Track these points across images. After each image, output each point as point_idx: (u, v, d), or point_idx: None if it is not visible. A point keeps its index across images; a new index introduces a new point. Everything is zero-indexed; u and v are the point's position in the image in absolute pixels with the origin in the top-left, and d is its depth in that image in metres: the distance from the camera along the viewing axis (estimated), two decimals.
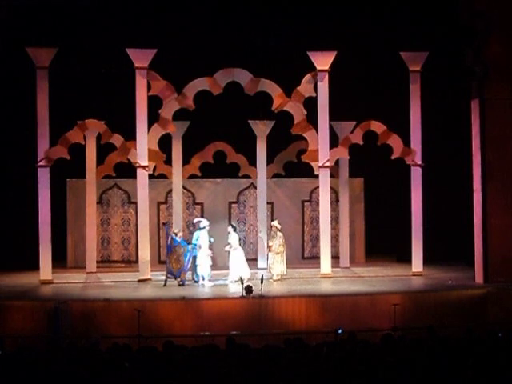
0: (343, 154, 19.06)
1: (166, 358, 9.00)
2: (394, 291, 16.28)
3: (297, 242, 21.41)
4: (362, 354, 9.23)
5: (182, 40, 18.73)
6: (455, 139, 19.47)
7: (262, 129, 20.48)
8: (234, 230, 17.89)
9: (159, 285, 17.35)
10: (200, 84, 18.58)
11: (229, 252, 17.73)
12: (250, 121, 20.38)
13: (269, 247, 18.13)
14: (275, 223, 18.25)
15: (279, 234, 18.09)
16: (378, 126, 18.71)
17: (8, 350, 10.09)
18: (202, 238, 17.61)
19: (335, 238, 20.56)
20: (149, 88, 18.08)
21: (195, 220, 18.71)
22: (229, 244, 17.67)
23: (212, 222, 18.32)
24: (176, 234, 17.48)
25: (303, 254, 21.37)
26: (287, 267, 18.39)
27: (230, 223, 18.18)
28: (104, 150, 19.51)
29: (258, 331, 14.46)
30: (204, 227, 17.71)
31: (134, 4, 18.41)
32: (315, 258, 20.15)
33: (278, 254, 17.93)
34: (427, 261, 18.90)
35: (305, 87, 18.66)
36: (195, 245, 17.63)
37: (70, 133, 18.16)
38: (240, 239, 18.26)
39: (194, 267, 17.72)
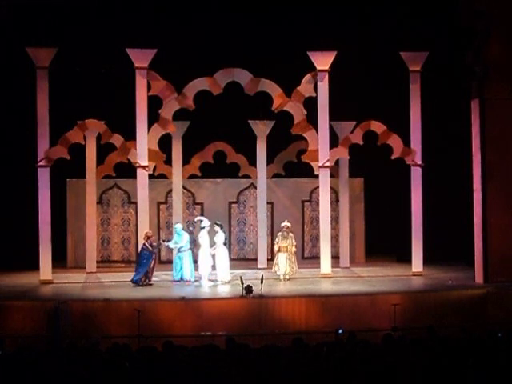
0: (343, 154, 19.06)
1: (166, 358, 9.00)
2: (394, 291, 16.28)
3: (297, 242, 21.28)
4: (362, 353, 9.23)
5: (182, 40, 18.74)
6: (455, 139, 19.47)
7: (261, 129, 20.47)
8: (221, 229, 17.82)
9: (159, 285, 17.37)
10: (200, 84, 18.58)
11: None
12: (250, 121, 20.37)
13: (281, 248, 18.04)
14: (287, 223, 18.23)
15: (291, 234, 18.11)
16: (378, 126, 18.71)
17: (8, 350, 10.08)
18: (202, 237, 17.59)
19: (335, 238, 20.55)
20: (149, 88, 18.08)
21: (196, 219, 18.72)
22: (214, 246, 17.62)
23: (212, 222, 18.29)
24: (149, 238, 17.56)
25: (303, 254, 21.33)
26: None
27: (214, 222, 17.97)
28: (104, 150, 19.51)
29: (258, 331, 14.47)
30: (204, 227, 17.69)
31: (133, 4, 18.41)
32: (315, 258, 20.14)
33: (292, 254, 17.99)
34: (427, 261, 18.90)
35: (305, 87, 18.66)
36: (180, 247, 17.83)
37: (70, 133, 18.16)
38: (226, 238, 18.15)
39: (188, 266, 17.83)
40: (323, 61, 18.30)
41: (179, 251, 17.93)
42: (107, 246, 20.99)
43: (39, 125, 17.71)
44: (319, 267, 18.60)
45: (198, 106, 18.57)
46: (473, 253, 17.48)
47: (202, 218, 18.22)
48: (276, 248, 18.24)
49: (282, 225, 18.31)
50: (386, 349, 9.76)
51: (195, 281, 17.69)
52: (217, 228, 17.72)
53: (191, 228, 20.99)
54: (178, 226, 18.21)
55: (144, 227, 18.13)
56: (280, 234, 18.24)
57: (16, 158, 19.66)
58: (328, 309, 15.25)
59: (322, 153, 18.48)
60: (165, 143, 19.34)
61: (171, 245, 18.20)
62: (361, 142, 18.73)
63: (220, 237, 17.62)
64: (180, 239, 17.95)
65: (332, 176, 19.33)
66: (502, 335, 10.51)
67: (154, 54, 17.91)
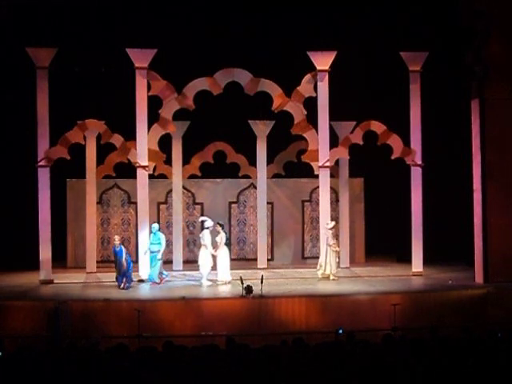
0: (343, 154, 19.06)
1: (166, 358, 9.00)
2: (394, 291, 16.29)
3: (297, 241, 21.41)
4: (362, 354, 9.23)
5: (182, 40, 18.74)
6: (455, 139, 19.48)
7: (262, 129, 20.46)
8: (223, 229, 17.76)
9: (159, 285, 17.37)
10: (200, 84, 18.59)
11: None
12: (250, 121, 20.36)
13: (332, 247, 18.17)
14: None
15: None
16: (378, 126, 18.71)
17: (8, 350, 10.08)
18: (205, 237, 17.53)
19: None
20: (149, 88, 18.08)
21: (200, 219, 18.72)
22: (216, 247, 17.55)
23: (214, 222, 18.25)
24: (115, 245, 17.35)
25: (303, 254, 21.36)
26: (287, 267, 18.47)
27: (217, 222, 17.82)
28: (104, 150, 19.51)
29: (258, 331, 14.47)
30: (208, 227, 17.64)
31: (133, 4, 18.41)
32: (315, 258, 20.15)
33: None
34: (427, 261, 18.90)
35: (305, 87, 18.66)
36: (155, 244, 17.67)
37: (70, 133, 18.16)
38: (228, 238, 18.10)
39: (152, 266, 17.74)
40: (323, 61, 18.30)
41: (152, 251, 17.69)
42: (107, 245, 20.96)
43: (39, 125, 17.71)
44: None
45: (198, 106, 18.57)
46: (473, 253, 17.49)
47: (205, 218, 18.12)
48: (337, 248, 18.23)
49: (332, 225, 18.23)
50: (386, 349, 9.76)
51: (167, 280, 17.65)
52: (219, 228, 17.68)
53: (191, 228, 21.08)
54: (155, 226, 17.95)
55: (144, 227, 18.13)
56: (333, 233, 18.21)
57: (16, 157, 19.65)
58: (328, 309, 15.26)
59: (322, 153, 18.48)
60: (165, 143, 19.34)
61: (161, 249, 17.82)
62: (361, 142, 18.73)
63: (222, 237, 17.57)
64: (156, 239, 17.78)
65: (332, 176, 19.33)
66: (502, 335, 10.52)
67: (154, 54, 17.92)
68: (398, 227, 20.43)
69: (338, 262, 18.55)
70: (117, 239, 17.41)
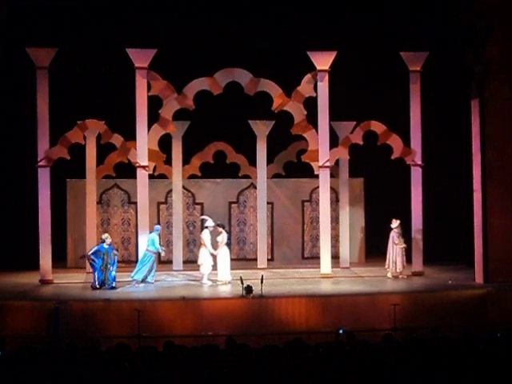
0: (343, 154, 19.06)
1: (166, 358, 9.01)
2: (394, 291, 16.30)
3: (297, 241, 21.39)
4: (362, 354, 9.24)
5: (182, 40, 18.74)
6: (455, 139, 19.47)
7: (261, 129, 20.46)
8: (223, 229, 17.73)
9: (159, 285, 17.38)
10: (200, 84, 18.59)
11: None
12: (250, 121, 20.36)
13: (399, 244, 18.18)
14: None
15: None
16: (378, 126, 18.71)
17: (8, 350, 10.08)
18: (205, 237, 17.52)
19: (335, 238, 20.54)
20: (149, 88, 18.09)
21: (201, 217, 18.70)
22: (216, 247, 17.54)
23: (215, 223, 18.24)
24: (104, 241, 17.08)
25: (303, 254, 21.35)
26: (287, 267, 18.40)
27: (216, 224, 17.78)
28: (104, 150, 19.52)
29: (258, 331, 14.47)
30: (207, 227, 17.63)
31: (133, 4, 18.41)
32: (315, 258, 20.14)
33: None
34: (427, 261, 18.90)
35: (305, 87, 18.66)
36: (155, 248, 17.50)
37: (70, 133, 18.17)
38: (228, 238, 18.10)
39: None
40: (323, 61, 18.30)
41: (148, 251, 17.51)
42: None
43: (39, 125, 17.71)
44: (319, 267, 18.59)
45: (198, 106, 18.57)
46: (473, 253, 17.48)
47: (206, 217, 18.12)
48: (403, 245, 18.19)
49: (397, 224, 18.20)
50: (386, 349, 9.76)
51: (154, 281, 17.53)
52: (220, 228, 17.66)
53: (191, 228, 21.08)
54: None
55: (144, 227, 18.12)
56: (398, 231, 18.21)
57: (16, 157, 19.65)
58: (328, 309, 15.26)
59: (322, 153, 18.48)
60: (165, 143, 19.34)
61: (159, 249, 17.77)
62: (361, 142, 18.73)
63: (223, 237, 17.56)
64: (152, 240, 17.59)
65: (332, 176, 19.33)
66: (502, 335, 10.52)
67: (153, 54, 17.92)
68: None
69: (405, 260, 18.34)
70: (105, 236, 17.29)
